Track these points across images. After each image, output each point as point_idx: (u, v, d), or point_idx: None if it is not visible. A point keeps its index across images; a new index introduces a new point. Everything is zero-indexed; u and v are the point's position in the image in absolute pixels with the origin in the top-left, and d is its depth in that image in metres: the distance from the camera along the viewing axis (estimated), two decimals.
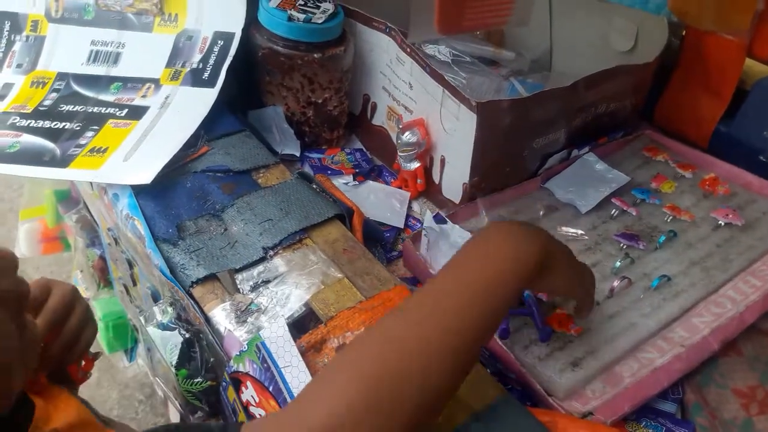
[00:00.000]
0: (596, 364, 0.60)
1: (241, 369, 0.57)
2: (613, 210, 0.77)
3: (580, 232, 0.74)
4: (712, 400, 0.61)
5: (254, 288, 0.64)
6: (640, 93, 0.87)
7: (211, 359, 0.63)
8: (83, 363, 0.65)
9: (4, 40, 0.88)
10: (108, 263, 1.02)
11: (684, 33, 0.90)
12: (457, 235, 0.67)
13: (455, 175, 0.79)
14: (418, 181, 0.85)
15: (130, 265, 0.83)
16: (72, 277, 1.16)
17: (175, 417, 0.71)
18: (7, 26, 0.89)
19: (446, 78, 0.75)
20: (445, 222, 0.68)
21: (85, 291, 1.11)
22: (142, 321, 0.67)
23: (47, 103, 0.84)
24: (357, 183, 0.87)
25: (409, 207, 0.85)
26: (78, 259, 1.12)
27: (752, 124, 0.85)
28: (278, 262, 0.67)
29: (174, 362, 0.63)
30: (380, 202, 0.85)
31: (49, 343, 0.59)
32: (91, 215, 0.97)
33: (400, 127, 0.84)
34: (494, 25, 0.51)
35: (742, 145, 0.86)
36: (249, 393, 0.57)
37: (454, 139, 0.76)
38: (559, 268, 0.54)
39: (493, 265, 0.50)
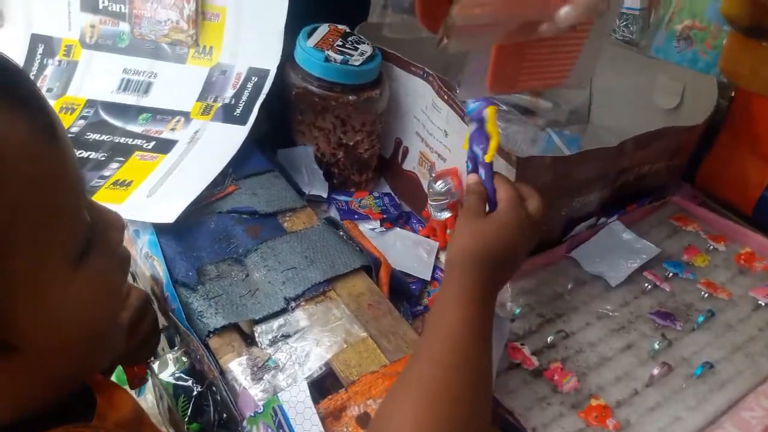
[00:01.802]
0: None
1: None
2: (646, 284, 0.72)
3: (611, 309, 0.69)
4: None
5: (273, 342, 0.61)
6: (683, 154, 0.84)
7: (224, 414, 0.60)
8: (137, 368, 0.66)
9: (36, 63, 0.87)
10: None
11: (733, 94, 0.86)
12: None
13: None
14: (448, 231, 0.82)
15: None
16: None
17: None
18: (40, 49, 0.88)
19: None
20: None
21: None
22: (155, 368, 0.64)
23: (74, 130, 0.82)
24: (384, 229, 0.84)
25: (437, 258, 0.82)
26: None
27: None
28: (300, 315, 0.64)
29: (186, 415, 0.60)
30: (407, 250, 0.82)
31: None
32: None
33: (433, 175, 0.81)
34: (548, 86, 0.48)
35: None
36: None
37: None
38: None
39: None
